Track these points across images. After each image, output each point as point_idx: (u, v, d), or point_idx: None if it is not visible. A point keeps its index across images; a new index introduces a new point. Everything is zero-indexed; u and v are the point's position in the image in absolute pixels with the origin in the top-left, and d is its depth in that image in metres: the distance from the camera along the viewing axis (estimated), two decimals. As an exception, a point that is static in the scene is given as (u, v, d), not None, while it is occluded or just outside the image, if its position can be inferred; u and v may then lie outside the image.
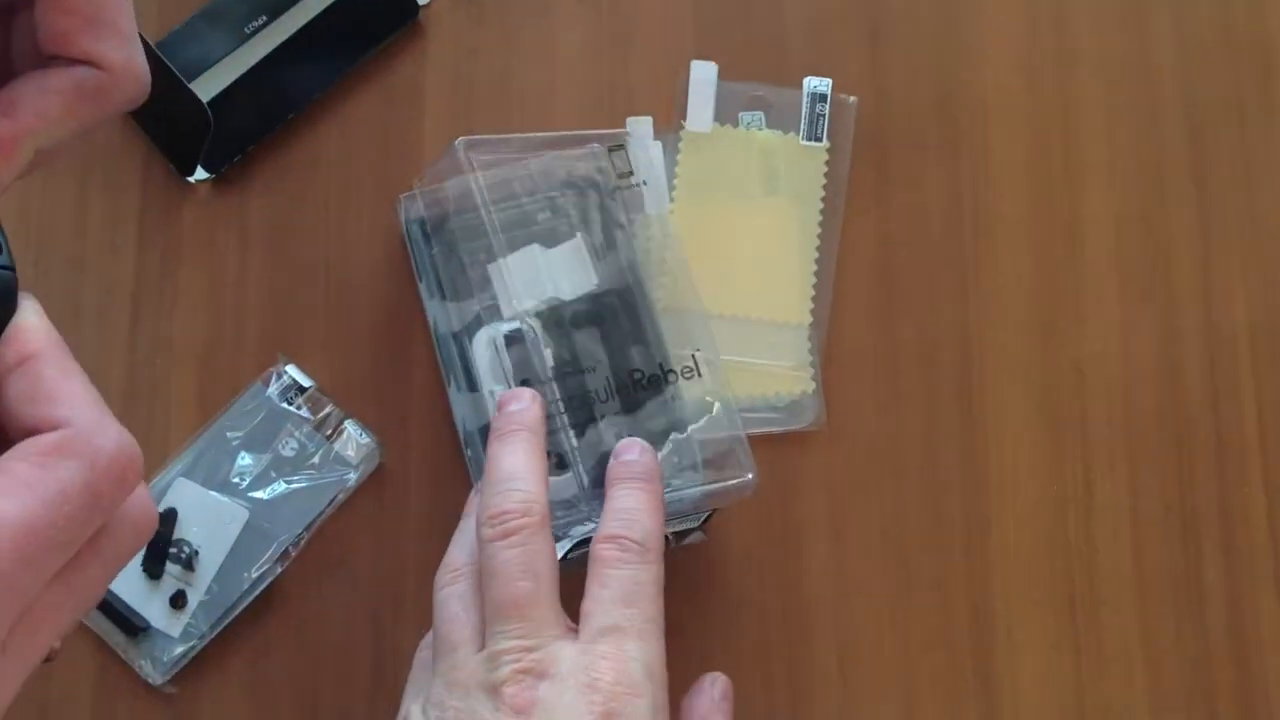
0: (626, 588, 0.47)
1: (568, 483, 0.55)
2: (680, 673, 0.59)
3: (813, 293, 0.63)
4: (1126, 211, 0.65)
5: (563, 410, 0.56)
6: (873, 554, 0.61)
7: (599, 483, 0.56)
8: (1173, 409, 0.63)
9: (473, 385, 0.58)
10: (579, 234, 0.58)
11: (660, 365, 0.57)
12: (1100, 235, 0.65)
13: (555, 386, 0.57)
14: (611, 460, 0.53)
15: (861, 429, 0.62)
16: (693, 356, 0.57)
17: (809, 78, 0.65)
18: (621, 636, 0.46)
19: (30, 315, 0.32)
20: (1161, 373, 0.63)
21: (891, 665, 0.60)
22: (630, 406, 0.56)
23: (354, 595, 0.60)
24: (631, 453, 0.52)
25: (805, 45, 0.66)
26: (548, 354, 0.57)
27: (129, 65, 0.37)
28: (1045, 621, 0.61)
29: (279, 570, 0.59)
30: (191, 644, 0.58)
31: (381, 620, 0.59)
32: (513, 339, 0.58)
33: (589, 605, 0.47)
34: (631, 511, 0.50)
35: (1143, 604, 0.61)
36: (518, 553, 0.47)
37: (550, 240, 0.58)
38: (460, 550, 0.51)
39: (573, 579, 0.48)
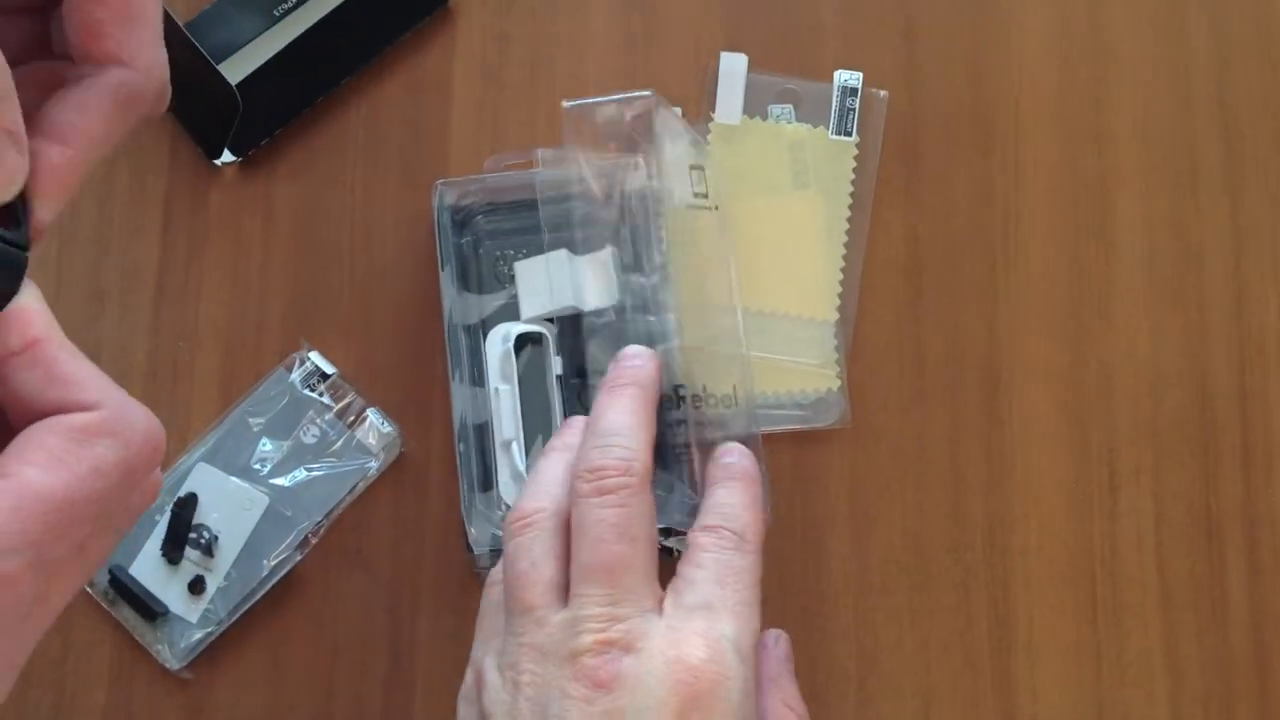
0: (721, 570, 0.46)
1: None
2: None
3: (840, 289, 0.63)
4: (1158, 214, 0.64)
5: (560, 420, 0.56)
6: (894, 554, 0.61)
7: None
8: (1200, 415, 0.62)
9: (477, 380, 0.58)
10: (609, 246, 0.57)
11: (675, 388, 0.56)
12: (1131, 237, 0.64)
13: (558, 395, 0.57)
14: (710, 464, 0.51)
15: (885, 428, 0.62)
16: (733, 387, 0.57)
17: (840, 71, 0.65)
18: (714, 615, 0.44)
19: (31, 299, 0.32)
20: (1189, 377, 0.63)
21: (910, 666, 0.60)
22: None
23: (372, 585, 0.59)
24: (731, 456, 0.51)
25: (836, 39, 0.65)
26: (557, 361, 0.57)
27: (155, 64, 0.35)
28: (1066, 626, 0.60)
29: (298, 558, 0.59)
30: (209, 630, 0.58)
31: (399, 611, 0.59)
32: (526, 340, 0.57)
33: (680, 584, 0.45)
34: (729, 506, 0.48)
35: (1165, 610, 0.61)
36: (614, 513, 0.44)
37: (581, 248, 0.58)
38: (532, 497, 0.48)
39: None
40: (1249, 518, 0.61)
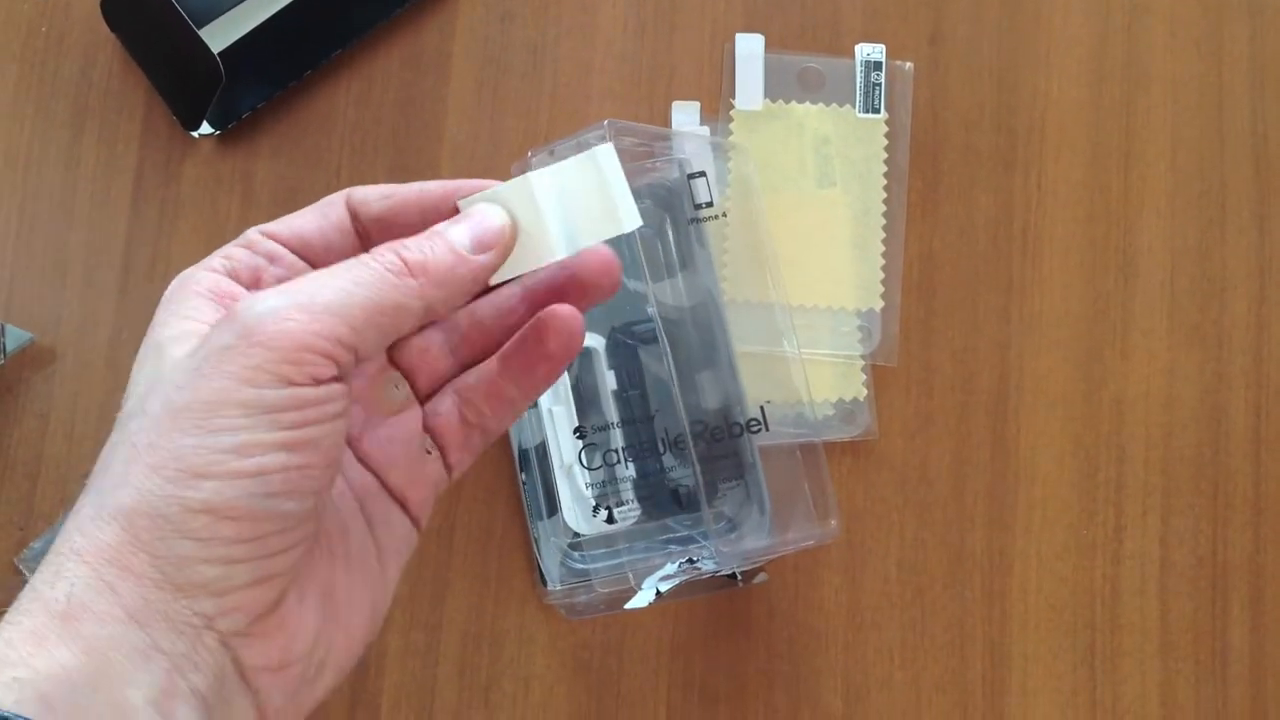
0: None
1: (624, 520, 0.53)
2: (681, 698, 0.56)
3: (882, 275, 0.60)
4: (1184, 243, 0.61)
5: (621, 439, 0.53)
6: (889, 587, 0.58)
7: (656, 512, 0.54)
8: (1212, 458, 0.60)
9: None
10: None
11: (729, 412, 0.54)
12: (1154, 267, 0.61)
13: (615, 410, 0.54)
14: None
15: (887, 452, 0.59)
16: (761, 408, 0.54)
17: (861, 44, 0.61)
18: None
19: None
20: (1205, 419, 0.60)
21: (900, 706, 0.57)
22: (698, 448, 0.53)
23: (342, 594, 0.56)
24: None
25: (859, 37, 0.61)
26: (610, 376, 0.54)
27: None
28: (1063, 669, 0.58)
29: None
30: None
31: (369, 622, 0.56)
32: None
33: None
34: None
35: (1164, 659, 0.59)
36: None
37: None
38: None
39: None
40: (1255, 569, 0.59)
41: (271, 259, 0.35)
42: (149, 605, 0.29)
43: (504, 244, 0.34)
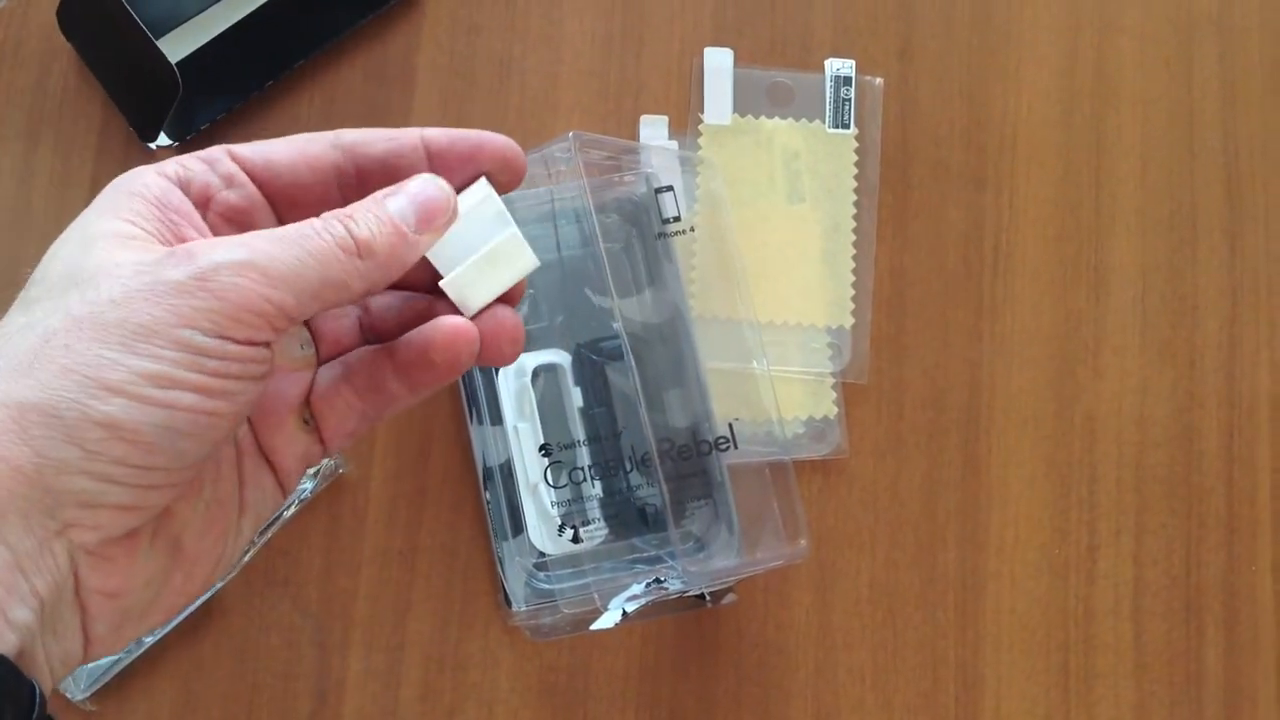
0: None
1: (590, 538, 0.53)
2: (650, 729, 0.55)
3: (852, 292, 0.59)
4: (1154, 262, 0.61)
5: (587, 457, 0.53)
6: (860, 607, 0.57)
7: (622, 531, 0.54)
8: (1185, 478, 0.59)
9: (496, 418, 0.54)
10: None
11: (697, 430, 0.54)
12: (1125, 285, 0.61)
13: (581, 428, 0.53)
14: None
15: (858, 471, 0.58)
16: (729, 426, 0.53)
17: (831, 59, 0.61)
18: None
19: None
20: (1177, 438, 0.60)
21: (871, 729, 0.57)
22: (665, 466, 0.52)
23: (300, 616, 0.55)
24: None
25: (829, 52, 0.61)
26: (577, 392, 0.53)
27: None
28: (1036, 691, 0.57)
29: (219, 583, 0.54)
30: (117, 658, 0.53)
31: (327, 645, 0.55)
32: (539, 371, 0.54)
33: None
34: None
35: (1139, 680, 0.58)
36: None
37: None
38: None
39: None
40: (1229, 590, 0.59)
41: (229, 181, 0.34)
42: (12, 496, 0.29)
43: (445, 222, 0.34)
